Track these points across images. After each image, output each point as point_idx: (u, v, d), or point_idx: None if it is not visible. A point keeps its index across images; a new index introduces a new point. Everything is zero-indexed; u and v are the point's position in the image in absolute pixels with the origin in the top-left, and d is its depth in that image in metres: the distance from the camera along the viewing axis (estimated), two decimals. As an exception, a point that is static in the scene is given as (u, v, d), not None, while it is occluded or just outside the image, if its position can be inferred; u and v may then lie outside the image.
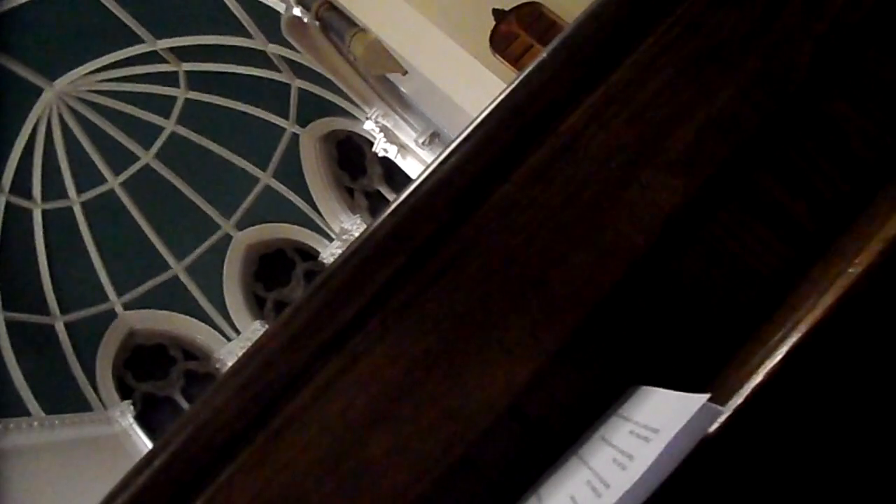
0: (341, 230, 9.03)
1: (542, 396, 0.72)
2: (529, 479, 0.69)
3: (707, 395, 0.50)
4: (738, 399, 0.53)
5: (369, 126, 7.90)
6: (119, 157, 8.86)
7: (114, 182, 8.90)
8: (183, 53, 8.22)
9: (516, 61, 5.32)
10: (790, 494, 0.51)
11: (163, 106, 8.70)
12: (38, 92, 8.05)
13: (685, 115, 0.74)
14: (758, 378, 0.54)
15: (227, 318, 9.19)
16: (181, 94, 8.63)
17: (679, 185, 0.72)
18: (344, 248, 0.76)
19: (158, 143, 8.90)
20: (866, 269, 0.52)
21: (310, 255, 9.34)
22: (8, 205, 8.09)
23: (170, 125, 8.83)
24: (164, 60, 8.26)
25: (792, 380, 0.52)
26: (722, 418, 0.52)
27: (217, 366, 8.99)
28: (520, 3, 5.44)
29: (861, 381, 0.52)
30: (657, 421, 0.54)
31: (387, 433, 0.69)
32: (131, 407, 8.59)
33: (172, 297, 9.15)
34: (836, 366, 0.52)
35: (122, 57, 8.13)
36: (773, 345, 0.56)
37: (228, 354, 8.91)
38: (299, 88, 8.37)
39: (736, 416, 0.52)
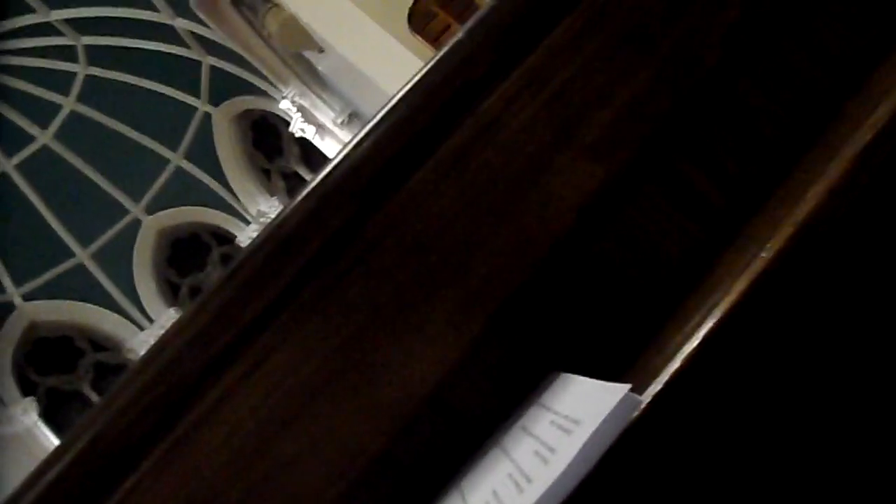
0: (258, 213, 8.77)
1: (462, 386, 0.70)
2: (452, 472, 0.67)
3: (628, 385, 0.49)
4: (656, 386, 0.53)
5: (285, 105, 7.67)
6: (13, 138, 8.27)
7: (7, 165, 8.31)
8: (81, 26, 7.72)
9: (435, 40, 5.28)
10: (709, 481, 0.52)
11: (61, 83, 8.17)
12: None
13: (602, 98, 0.73)
14: (675, 364, 0.54)
15: (138, 306, 8.80)
16: (81, 69, 8.12)
17: (596, 168, 0.72)
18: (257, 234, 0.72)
19: (57, 122, 8.36)
20: (778, 252, 0.53)
21: (226, 238, 9.04)
22: None
23: (69, 103, 8.30)
24: (59, 33, 7.73)
25: (709, 365, 0.53)
26: (641, 407, 0.51)
27: (130, 356, 8.60)
28: (438, -19, 5.39)
29: (778, 364, 0.52)
30: (578, 411, 0.53)
31: (301, 432, 0.66)
32: (35, 404, 8.12)
33: (78, 287, 8.67)
34: (752, 350, 0.52)
35: (9, 28, 7.55)
36: (689, 330, 0.56)
37: (142, 344, 8.53)
38: (210, 66, 8.03)
39: (655, 403, 0.51)
